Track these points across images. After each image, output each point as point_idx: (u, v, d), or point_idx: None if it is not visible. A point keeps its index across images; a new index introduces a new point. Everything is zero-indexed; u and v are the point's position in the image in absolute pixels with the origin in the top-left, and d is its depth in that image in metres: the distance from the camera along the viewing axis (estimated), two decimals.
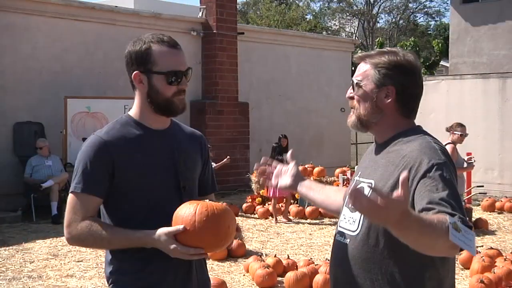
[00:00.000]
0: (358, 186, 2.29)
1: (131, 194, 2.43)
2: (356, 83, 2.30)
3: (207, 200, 2.37)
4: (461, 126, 8.28)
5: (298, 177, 2.65)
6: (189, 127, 2.72)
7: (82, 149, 2.45)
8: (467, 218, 2.02)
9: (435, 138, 2.27)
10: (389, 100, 2.27)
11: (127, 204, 2.44)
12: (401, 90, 2.27)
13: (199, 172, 2.65)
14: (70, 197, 2.43)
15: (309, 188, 2.65)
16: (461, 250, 1.96)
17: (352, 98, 2.33)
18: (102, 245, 2.47)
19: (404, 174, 1.80)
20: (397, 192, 1.78)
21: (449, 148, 8.03)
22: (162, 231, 2.29)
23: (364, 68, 2.31)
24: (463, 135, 8.25)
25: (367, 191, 2.22)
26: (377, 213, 1.79)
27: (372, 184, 2.22)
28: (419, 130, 2.30)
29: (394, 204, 1.77)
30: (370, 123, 2.30)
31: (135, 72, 2.44)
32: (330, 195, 2.63)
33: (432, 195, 2.03)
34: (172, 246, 2.27)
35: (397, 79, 2.26)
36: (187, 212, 2.28)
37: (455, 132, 8.21)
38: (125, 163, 2.41)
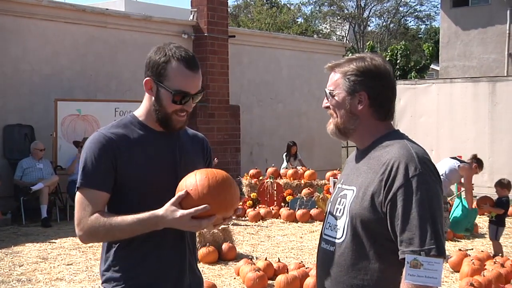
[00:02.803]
0: (341, 193, 2.30)
1: (130, 193, 2.45)
2: (329, 92, 2.35)
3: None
4: (481, 168, 8.45)
5: None
6: (191, 130, 2.74)
7: (86, 145, 2.48)
8: (440, 243, 2.08)
9: (414, 142, 2.29)
10: (362, 106, 2.30)
11: (126, 204, 2.45)
12: (372, 94, 2.30)
13: None
14: (78, 194, 2.44)
15: None
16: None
17: (328, 107, 2.37)
18: (114, 234, 2.41)
19: None
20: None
21: (467, 168, 8.10)
22: (166, 204, 2.30)
23: (334, 77, 2.35)
24: (477, 173, 8.44)
25: (350, 197, 2.24)
26: None
27: (354, 191, 2.25)
28: (397, 134, 2.33)
29: None
30: (348, 129, 2.33)
31: (147, 78, 2.48)
32: None
33: (403, 225, 2.09)
34: (179, 213, 2.25)
35: (367, 85, 2.29)
36: (188, 178, 2.33)
37: (477, 169, 8.31)
38: (125, 162, 2.44)
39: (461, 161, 8.31)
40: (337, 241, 2.28)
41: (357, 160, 2.37)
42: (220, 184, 2.31)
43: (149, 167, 2.46)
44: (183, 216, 2.25)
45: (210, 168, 2.38)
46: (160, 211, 2.31)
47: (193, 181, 2.29)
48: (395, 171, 2.14)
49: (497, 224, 7.84)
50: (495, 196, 8.18)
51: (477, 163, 8.33)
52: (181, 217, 2.25)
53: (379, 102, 2.31)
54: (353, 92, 2.29)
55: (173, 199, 2.29)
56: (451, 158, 8.37)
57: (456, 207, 7.98)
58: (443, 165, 7.97)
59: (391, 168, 2.15)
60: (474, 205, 8.41)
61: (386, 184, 2.15)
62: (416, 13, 47.41)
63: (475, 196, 11.04)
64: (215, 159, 10.60)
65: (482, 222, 10.38)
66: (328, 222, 2.37)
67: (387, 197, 2.14)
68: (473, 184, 8.28)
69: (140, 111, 2.55)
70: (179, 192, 2.29)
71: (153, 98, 2.48)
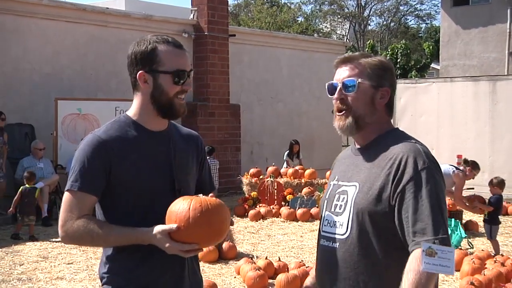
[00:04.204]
0: (339, 190, 2.30)
1: (126, 194, 2.44)
2: (359, 82, 2.28)
3: (201, 195, 2.37)
4: (477, 169, 8.53)
5: None
6: (185, 128, 2.72)
7: (80, 147, 2.46)
8: (447, 234, 2.09)
9: (417, 140, 2.29)
10: (383, 102, 2.31)
11: (122, 205, 2.45)
12: (392, 92, 2.32)
13: (195, 173, 2.66)
14: (66, 195, 2.43)
15: None
16: None
17: (343, 99, 2.31)
18: (98, 243, 2.48)
19: None
20: None
21: (461, 176, 8.11)
22: (156, 229, 2.30)
23: (357, 68, 2.30)
24: (475, 175, 8.45)
25: (352, 192, 2.23)
26: None
27: (356, 187, 2.24)
28: (400, 132, 2.35)
29: None
30: (365, 123, 2.30)
31: (140, 72, 2.44)
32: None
33: (415, 216, 2.09)
34: (167, 244, 2.27)
35: (389, 80, 2.32)
36: (181, 208, 2.28)
37: (472, 171, 8.35)
38: (121, 164, 2.42)
39: (457, 168, 8.33)
40: (341, 237, 2.27)
41: (356, 156, 2.36)
42: (212, 222, 2.29)
43: (143, 168, 2.45)
44: (171, 247, 2.28)
45: (204, 199, 2.33)
46: (149, 233, 2.31)
47: (186, 214, 2.26)
48: (404, 165, 2.15)
49: (490, 223, 7.84)
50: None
51: (470, 166, 8.34)
52: (168, 247, 2.28)
53: (392, 100, 2.35)
54: (378, 86, 2.29)
55: (164, 228, 2.28)
56: (450, 165, 8.39)
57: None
58: None
59: (400, 162, 2.16)
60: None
61: (394, 177, 2.15)
62: (417, 12, 47.39)
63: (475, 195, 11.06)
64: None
65: (482, 221, 10.38)
66: (326, 219, 2.36)
67: (396, 190, 2.14)
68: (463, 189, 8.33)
69: (133, 111, 2.53)
70: (171, 224, 2.27)
71: (150, 89, 2.44)
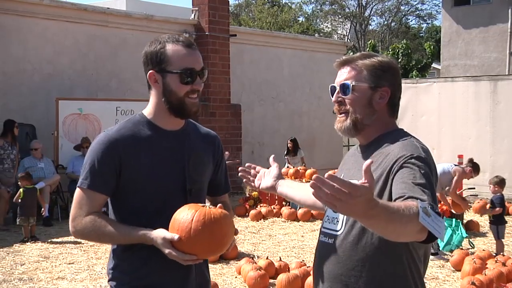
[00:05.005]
0: None
1: (137, 193, 2.45)
2: (349, 86, 2.29)
3: (208, 206, 2.36)
4: (477, 172, 8.48)
5: (279, 178, 2.75)
6: (204, 128, 2.72)
7: (92, 145, 2.49)
8: (440, 211, 2.05)
9: (418, 139, 2.29)
10: (383, 102, 2.30)
11: (133, 203, 2.46)
12: (393, 91, 2.31)
13: (210, 174, 2.66)
14: (77, 192, 2.46)
15: (289, 187, 2.74)
16: (432, 240, 1.94)
17: (341, 101, 2.32)
18: (104, 240, 2.51)
19: (367, 162, 1.75)
20: (362, 180, 1.73)
21: (460, 170, 8.09)
22: (159, 234, 2.32)
23: (354, 70, 2.31)
24: (472, 177, 8.43)
25: None
26: (343, 202, 1.69)
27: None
28: (402, 131, 2.34)
29: (358, 190, 1.69)
30: (364, 125, 2.30)
31: (150, 71, 2.46)
32: (308, 190, 2.68)
33: (408, 181, 2.05)
34: (167, 250, 2.29)
35: (390, 81, 2.30)
36: (185, 218, 2.29)
37: (472, 173, 8.32)
38: (132, 163, 2.43)
39: (456, 165, 8.30)
40: (336, 233, 2.29)
41: (358, 154, 2.37)
42: (214, 235, 2.29)
43: (155, 167, 2.46)
44: (171, 254, 2.30)
45: (209, 210, 2.32)
46: (151, 235, 2.34)
47: (188, 226, 2.27)
48: (400, 156, 2.14)
49: (496, 224, 7.83)
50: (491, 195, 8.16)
51: (472, 167, 8.32)
52: (168, 253, 2.30)
53: (395, 100, 2.33)
54: (375, 87, 2.28)
55: (166, 235, 2.29)
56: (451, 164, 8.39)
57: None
58: (437, 167, 7.98)
59: (396, 155, 2.15)
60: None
61: (388, 168, 2.14)
62: (418, 12, 47.42)
63: (476, 195, 11.07)
64: (227, 152, 10.57)
65: (483, 221, 10.37)
66: (327, 216, 2.39)
67: (389, 177, 2.12)
68: (462, 191, 8.31)
69: (148, 110, 2.54)
70: (173, 233, 2.28)
71: (160, 89, 2.46)
